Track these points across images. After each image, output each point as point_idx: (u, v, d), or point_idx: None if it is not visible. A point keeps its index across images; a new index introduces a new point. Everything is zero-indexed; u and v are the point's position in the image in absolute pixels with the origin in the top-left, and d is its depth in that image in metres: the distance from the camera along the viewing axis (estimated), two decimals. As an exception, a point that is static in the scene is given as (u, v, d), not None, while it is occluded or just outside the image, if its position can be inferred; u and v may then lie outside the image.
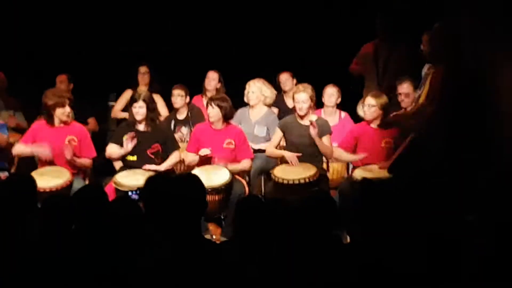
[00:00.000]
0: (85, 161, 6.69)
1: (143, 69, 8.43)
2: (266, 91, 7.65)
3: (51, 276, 3.82)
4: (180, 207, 3.87)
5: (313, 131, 6.58)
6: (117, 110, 8.48)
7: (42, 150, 6.48)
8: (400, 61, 7.78)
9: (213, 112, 6.73)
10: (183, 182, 4.14)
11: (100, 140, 7.43)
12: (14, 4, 8.81)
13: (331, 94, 7.55)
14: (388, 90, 7.39)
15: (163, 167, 6.63)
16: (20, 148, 6.61)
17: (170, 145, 6.81)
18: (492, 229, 4.02)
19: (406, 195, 4.82)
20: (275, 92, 7.83)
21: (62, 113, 6.55)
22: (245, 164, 6.83)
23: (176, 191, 4.02)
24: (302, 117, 6.81)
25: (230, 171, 6.51)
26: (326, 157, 6.86)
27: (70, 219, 4.28)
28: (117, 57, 8.96)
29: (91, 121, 8.22)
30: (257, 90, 7.60)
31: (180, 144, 7.11)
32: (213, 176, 6.40)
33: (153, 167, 6.56)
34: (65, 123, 6.60)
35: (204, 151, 6.67)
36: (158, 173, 6.02)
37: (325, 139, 6.75)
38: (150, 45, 9.06)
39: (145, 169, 6.52)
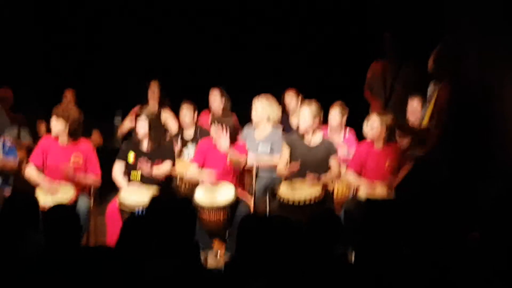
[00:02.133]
0: (90, 179, 6.66)
1: (153, 85, 8.40)
2: (268, 110, 7.59)
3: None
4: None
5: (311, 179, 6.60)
6: (125, 126, 8.45)
7: (47, 185, 6.44)
8: (407, 80, 7.85)
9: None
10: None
11: (106, 158, 7.42)
12: (21, 20, 8.87)
13: (335, 114, 7.53)
14: (394, 109, 7.42)
15: (154, 171, 6.60)
16: (30, 173, 6.58)
17: (166, 156, 6.79)
18: (496, 247, 4.01)
19: (410, 214, 4.82)
20: (280, 109, 7.79)
21: (51, 124, 6.55)
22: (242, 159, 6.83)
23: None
24: (305, 135, 6.80)
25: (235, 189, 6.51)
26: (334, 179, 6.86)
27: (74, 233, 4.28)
28: (124, 73, 9.00)
29: (95, 133, 8.18)
30: (260, 109, 7.56)
31: (185, 163, 7.10)
32: (218, 195, 6.40)
33: (146, 166, 6.54)
34: (69, 140, 6.59)
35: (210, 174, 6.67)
36: (162, 193, 6.05)
37: (333, 162, 6.76)
38: (159, 61, 9.10)
39: (139, 165, 6.54)
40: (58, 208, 4.53)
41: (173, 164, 6.83)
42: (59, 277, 3.79)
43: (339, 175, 6.83)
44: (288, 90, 8.24)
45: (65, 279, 3.74)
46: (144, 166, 6.54)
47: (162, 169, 6.71)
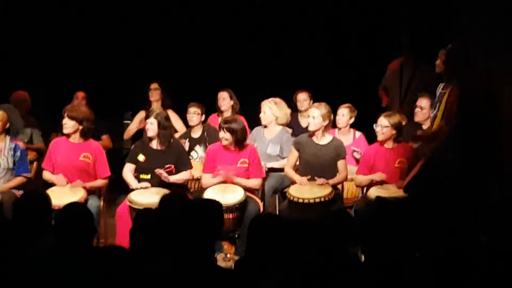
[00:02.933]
0: (98, 183, 6.69)
1: (153, 86, 8.47)
2: (276, 112, 7.63)
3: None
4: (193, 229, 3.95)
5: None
6: (130, 130, 8.51)
7: (60, 181, 6.50)
8: (423, 79, 7.95)
9: (225, 137, 6.73)
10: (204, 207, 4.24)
11: (115, 159, 7.45)
12: (32, 24, 8.91)
13: (342, 114, 7.56)
14: (409, 106, 7.48)
15: (172, 179, 6.60)
16: (47, 176, 6.66)
17: (183, 165, 6.77)
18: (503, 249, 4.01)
19: (420, 214, 4.82)
20: (288, 111, 7.82)
21: (63, 123, 6.58)
22: (254, 182, 6.78)
23: (194, 214, 4.11)
24: (314, 135, 6.82)
25: (244, 190, 6.51)
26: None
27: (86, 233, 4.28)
28: (134, 75, 9.03)
29: (105, 138, 8.25)
30: (268, 111, 7.60)
31: (194, 163, 7.10)
32: (228, 195, 6.39)
33: (164, 174, 6.55)
34: (80, 139, 6.63)
35: (219, 173, 6.66)
36: (172, 192, 6.04)
37: (341, 163, 6.77)
38: (165, 62, 9.13)
39: (156, 172, 6.53)
40: (73, 206, 4.53)
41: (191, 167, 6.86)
42: (71, 276, 3.81)
43: (346, 178, 6.86)
44: (301, 91, 8.27)
45: (76, 279, 3.76)
46: (164, 176, 6.55)
47: (179, 177, 6.71)
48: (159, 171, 6.54)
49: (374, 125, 7.12)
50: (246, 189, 6.61)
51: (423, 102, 7.28)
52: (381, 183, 6.60)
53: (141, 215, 4.43)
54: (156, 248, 4.12)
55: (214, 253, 4.41)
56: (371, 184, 6.66)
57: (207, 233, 4.13)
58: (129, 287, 3.66)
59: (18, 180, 6.72)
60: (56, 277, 3.86)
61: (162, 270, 3.82)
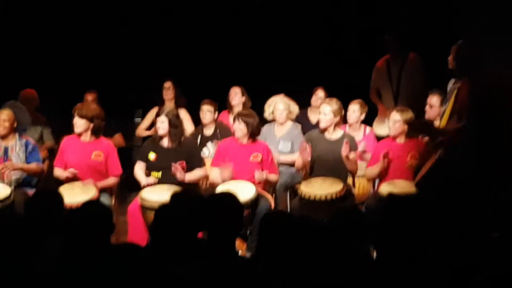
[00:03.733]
0: (109, 181, 6.72)
1: (167, 84, 8.49)
2: (293, 107, 7.66)
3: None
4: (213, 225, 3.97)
5: (345, 149, 6.59)
6: (142, 128, 8.53)
7: (73, 171, 6.52)
8: (412, 74, 8.05)
9: (239, 128, 6.72)
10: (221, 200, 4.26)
11: (126, 157, 7.46)
12: (42, 23, 8.94)
13: (352, 110, 7.55)
14: (404, 103, 7.48)
15: (187, 178, 6.60)
16: (59, 173, 6.68)
17: (195, 163, 6.77)
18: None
19: (432, 210, 4.80)
20: (297, 107, 7.82)
21: (74, 122, 6.59)
22: (273, 177, 6.81)
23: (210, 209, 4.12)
24: (325, 130, 6.81)
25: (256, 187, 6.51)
26: (352, 173, 6.85)
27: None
28: (144, 73, 9.04)
29: (118, 137, 8.28)
30: (282, 106, 7.61)
31: (206, 161, 7.10)
32: (239, 192, 6.32)
33: (180, 172, 6.55)
34: (91, 137, 6.64)
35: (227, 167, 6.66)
36: (184, 189, 6.04)
37: (353, 156, 6.75)
38: (177, 60, 9.13)
39: (173, 170, 6.51)
40: (92, 204, 4.53)
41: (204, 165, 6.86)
42: (89, 274, 3.81)
43: (356, 171, 6.84)
44: (319, 88, 8.28)
45: (95, 277, 3.76)
46: (178, 173, 6.56)
47: (195, 175, 6.73)
48: (175, 165, 6.54)
49: (374, 125, 7.12)
50: (262, 186, 6.62)
51: (433, 100, 7.25)
52: (391, 178, 6.59)
53: (161, 213, 4.42)
54: (177, 246, 4.12)
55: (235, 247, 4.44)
56: (382, 174, 6.65)
57: (229, 225, 4.22)
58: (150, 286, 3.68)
59: (32, 165, 6.77)
60: (73, 275, 3.85)
61: (189, 271, 3.82)
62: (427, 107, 7.31)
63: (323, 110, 6.82)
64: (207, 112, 7.78)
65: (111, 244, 4.23)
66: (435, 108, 7.18)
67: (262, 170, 6.73)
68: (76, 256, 4.00)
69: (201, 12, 9.26)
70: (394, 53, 8.20)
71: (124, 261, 3.67)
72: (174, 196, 4.81)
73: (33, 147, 6.81)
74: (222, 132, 7.71)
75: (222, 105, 8.28)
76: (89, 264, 3.83)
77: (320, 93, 8.25)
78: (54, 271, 3.91)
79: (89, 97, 8.34)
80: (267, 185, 6.86)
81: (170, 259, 3.97)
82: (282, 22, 9.10)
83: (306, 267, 3.89)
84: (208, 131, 7.84)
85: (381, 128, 7.64)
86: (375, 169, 6.72)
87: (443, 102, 6.84)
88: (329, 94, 7.85)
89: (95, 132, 6.64)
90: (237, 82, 8.35)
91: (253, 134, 6.79)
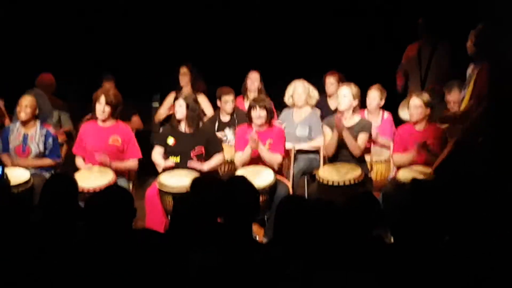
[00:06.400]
0: (128, 163, 6.72)
1: (183, 70, 8.42)
2: (313, 91, 7.63)
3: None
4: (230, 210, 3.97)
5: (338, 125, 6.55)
6: (161, 113, 8.50)
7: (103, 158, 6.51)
8: (442, 61, 8.03)
9: (260, 115, 6.71)
10: (235, 185, 4.26)
11: (144, 141, 7.47)
12: (59, 8, 8.96)
13: (373, 97, 7.50)
14: (431, 91, 7.40)
15: (206, 166, 6.59)
16: (78, 164, 6.72)
17: (213, 148, 6.74)
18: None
19: (450, 196, 4.77)
20: (317, 92, 7.78)
21: (98, 109, 6.61)
22: (270, 155, 6.69)
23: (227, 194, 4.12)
24: (343, 116, 6.77)
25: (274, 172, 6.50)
26: (353, 153, 6.73)
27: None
28: (162, 58, 9.05)
29: (135, 119, 8.29)
30: (301, 89, 7.58)
31: (224, 146, 7.09)
32: (257, 178, 6.35)
33: (197, 165, 6.55)
34: (109, 122, 6.66)
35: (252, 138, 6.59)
36: (203, 175, 6.05)
37: (361, 136, 6.70)
38: (195, 45, 9.13)
39: (189, 167, 6.51)
40: (114, 189, 4.49)
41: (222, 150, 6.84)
42: (112, 258, 3.82)
43: (358, 153, 6.70)
44: (330, 73, 8.22)
45: (117, 261, 3.77)
46: (198, 166, 6.54)
47: (214, 162, 6.70)
48: (191, 164, 6.53)
49: (399, 110, 7.04)
50: (274, 170, 6.62)
51: (453, 95, 7.20)
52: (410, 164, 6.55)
53: (180, 201, 4.42)
54: (198, 234, 4.12)
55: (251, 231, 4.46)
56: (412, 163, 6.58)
57: (243, 210, 4.24)
58: (172, 272, 3.69)
59: (47, 161, 6.79)
60: (97, 259, 3.86)
61: (209, 258, 3.83)
62: (450, 104, 7.24)
63: (343, 92, 6.78)
64: (227, 102, 7.75)
65: (133, 230, 4.23)
66: (456, 96, 7.06)
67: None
68: (101, 241, 4.00)
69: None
70: (425, 38, 8.17)
71: (144, 247, 3.68)
72: (194, 182, 4.81)
73: (53, 140, 6.81)
74: (239, 117, 7.68)
75: (237, 90, 8.25)
76: (113, 250, 3.85)
77: (330, 79, 8.20)
78: (80, 256, 3.92)
79: (107, 84, 8.29)
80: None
81: (190, 245, 3.97)
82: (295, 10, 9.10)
83: (323, 251, 3.89)
84: (225, 117, 7.81)
85: (407, 112, 7.56)
86: (404, 158, 6.64)
87: (462, 88, 6.81)
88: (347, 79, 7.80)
89: (113, 116, 6.66)
90: (252, 67, 8.33)
91: (270, 119, 6.80)
